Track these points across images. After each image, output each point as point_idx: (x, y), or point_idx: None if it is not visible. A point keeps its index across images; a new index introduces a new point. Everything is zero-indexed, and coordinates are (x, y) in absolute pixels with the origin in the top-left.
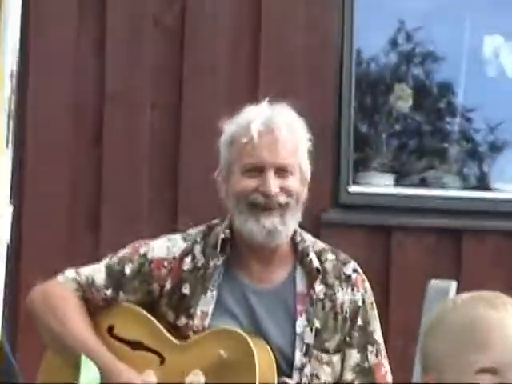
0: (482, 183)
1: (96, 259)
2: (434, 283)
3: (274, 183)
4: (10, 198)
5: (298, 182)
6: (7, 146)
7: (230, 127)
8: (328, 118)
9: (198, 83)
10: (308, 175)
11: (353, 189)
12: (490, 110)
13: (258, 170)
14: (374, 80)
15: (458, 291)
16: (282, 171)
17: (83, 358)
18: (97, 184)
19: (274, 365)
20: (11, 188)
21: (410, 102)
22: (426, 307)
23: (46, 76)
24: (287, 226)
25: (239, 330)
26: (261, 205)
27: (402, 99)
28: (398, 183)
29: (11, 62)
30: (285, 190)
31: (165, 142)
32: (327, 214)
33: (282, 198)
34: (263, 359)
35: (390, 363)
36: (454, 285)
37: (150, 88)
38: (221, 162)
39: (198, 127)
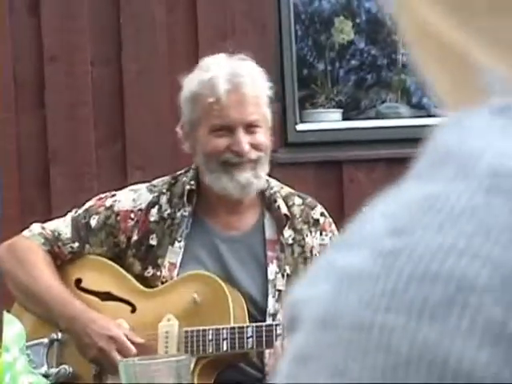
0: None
1: (48, 219)
2: None
3: (244, 141)
4: None
5: (266, 134)
6: None
7: (190, 83)
8: (269, 59)
9: (136, 35)
10: (270, 122)
11: (301, 127)
12: None
13: (227, 129)
14: (323, 16)
15: None
16: (250, 127)
17: (6, 315)
18: (43, 145)
19: (246, 310)
20: None
21: (352, 36)
22: None
23: None
24: (260, 178)
25: (211, 274)
26: (233, 163)
27: (343, 32)
28: (346, 118)
29: None
30: (255, 146)
31: (109, 99)
32: (277, 154)
33: (253, 154)
34: (236, 302)
35: None
36: None
37: (88, 45)
38: (183, 118)
39: (140, 80)
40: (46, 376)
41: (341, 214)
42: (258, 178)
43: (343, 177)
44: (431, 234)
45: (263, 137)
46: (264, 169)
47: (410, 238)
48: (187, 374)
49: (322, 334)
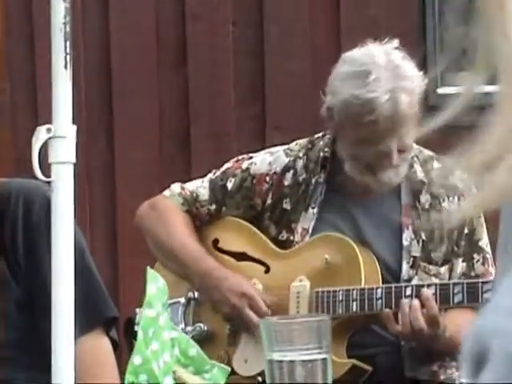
0: None
1: (188, 179)
2: None
3: (395, 155)
4: (73, 120)
5: (413, 133)
6: (66, 67)
7: (348, 85)
8: (412, 17)
9: None
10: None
11: (442, 90)
12: None
13: (376, 143)
14: None
15: None
16: (400, 138)
17: (149, 271)
18: (184, 104)
19: (379, 272)
20: (73, 110)
21: None
22: None
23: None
24: (400, 175)
25: (343, 236)
26: (378, 165)
27: None
28: (490, 82)
29: None
30: (401, 151)
31: (249, 59)
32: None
33: (399, 159)
34: (368, 264)
35: None
36: None
37: (230, 4)
38: (330, 105)
39: (281, 42)
40: None
41: None
42: (398, 175)
43: None
44: None
45: (411, 140)
46: (406, 163)
47: None
48: (327, 334)
49: None
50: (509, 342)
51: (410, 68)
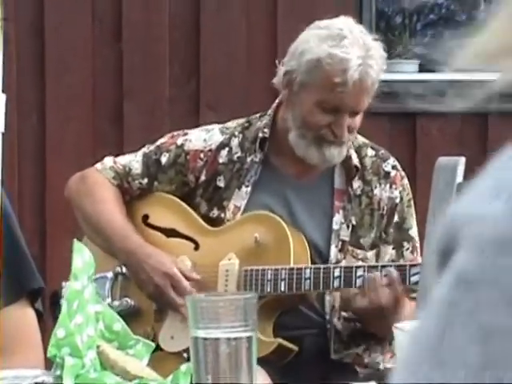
0: None
1: (120, 154)
2: (442, 160)
3: (346, 126)
4: (3, 88)
5: (362, 114)
6: None
7: (318, 46)
8: (348, 8)
9: None
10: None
11: None
12: None
13: (335, 109)
14: None
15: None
16: (355, 112)
17: (75, 243)
18: (118, 79)
19: (308, 253)
20: (3, 78)
21: None
22: (433, 185)
23: None
24: (343, 154)
25: (274, 215)
26: (327, 140)
27: None
28: (423, 70)
29: None
30: (350, 129)
31: (185, 36)
32: None
33: (347, 136)
34: (297, 244)
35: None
36: (462, 161)
37: None
38: (290, 69)
39: (218, 19)
40: None
41: (413, 166)
42: (341, 155)
43: (416, 129)
44: None
45: (360, 119)
46: (348, 145)
47: None
48: (253, 312)
49: (499, 256)
50: (484, 226)
51: (377, 46)
